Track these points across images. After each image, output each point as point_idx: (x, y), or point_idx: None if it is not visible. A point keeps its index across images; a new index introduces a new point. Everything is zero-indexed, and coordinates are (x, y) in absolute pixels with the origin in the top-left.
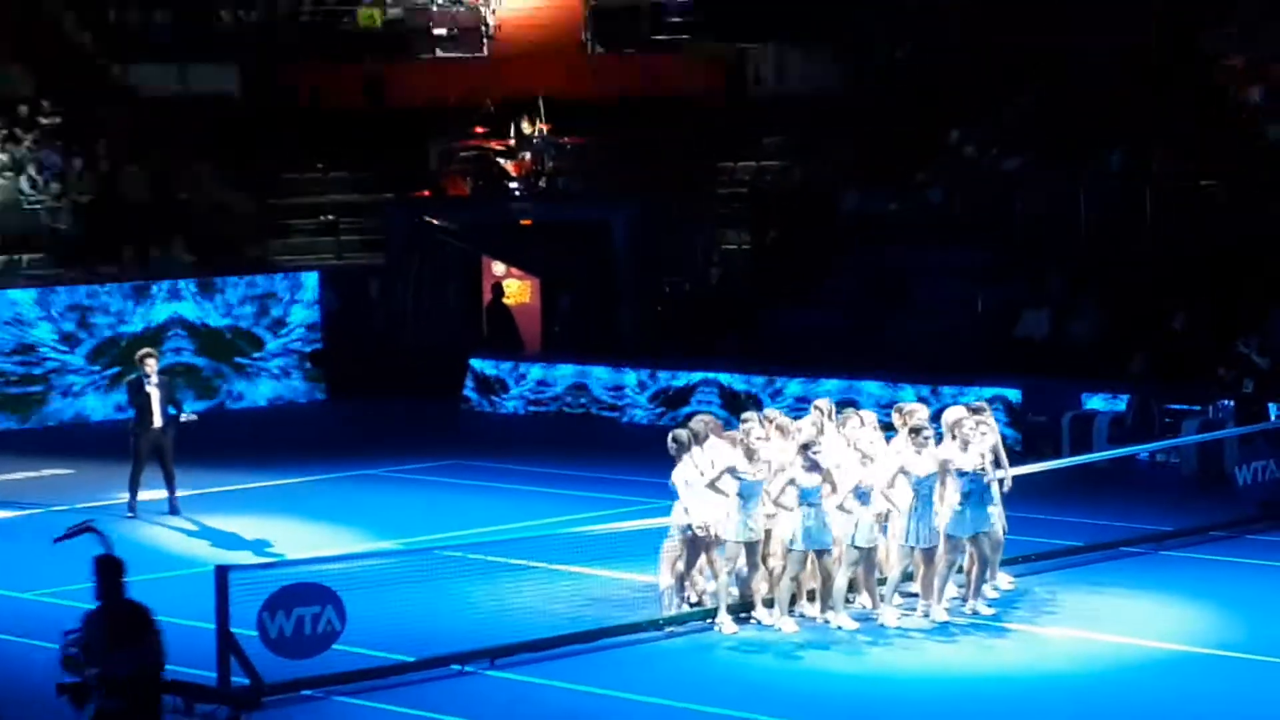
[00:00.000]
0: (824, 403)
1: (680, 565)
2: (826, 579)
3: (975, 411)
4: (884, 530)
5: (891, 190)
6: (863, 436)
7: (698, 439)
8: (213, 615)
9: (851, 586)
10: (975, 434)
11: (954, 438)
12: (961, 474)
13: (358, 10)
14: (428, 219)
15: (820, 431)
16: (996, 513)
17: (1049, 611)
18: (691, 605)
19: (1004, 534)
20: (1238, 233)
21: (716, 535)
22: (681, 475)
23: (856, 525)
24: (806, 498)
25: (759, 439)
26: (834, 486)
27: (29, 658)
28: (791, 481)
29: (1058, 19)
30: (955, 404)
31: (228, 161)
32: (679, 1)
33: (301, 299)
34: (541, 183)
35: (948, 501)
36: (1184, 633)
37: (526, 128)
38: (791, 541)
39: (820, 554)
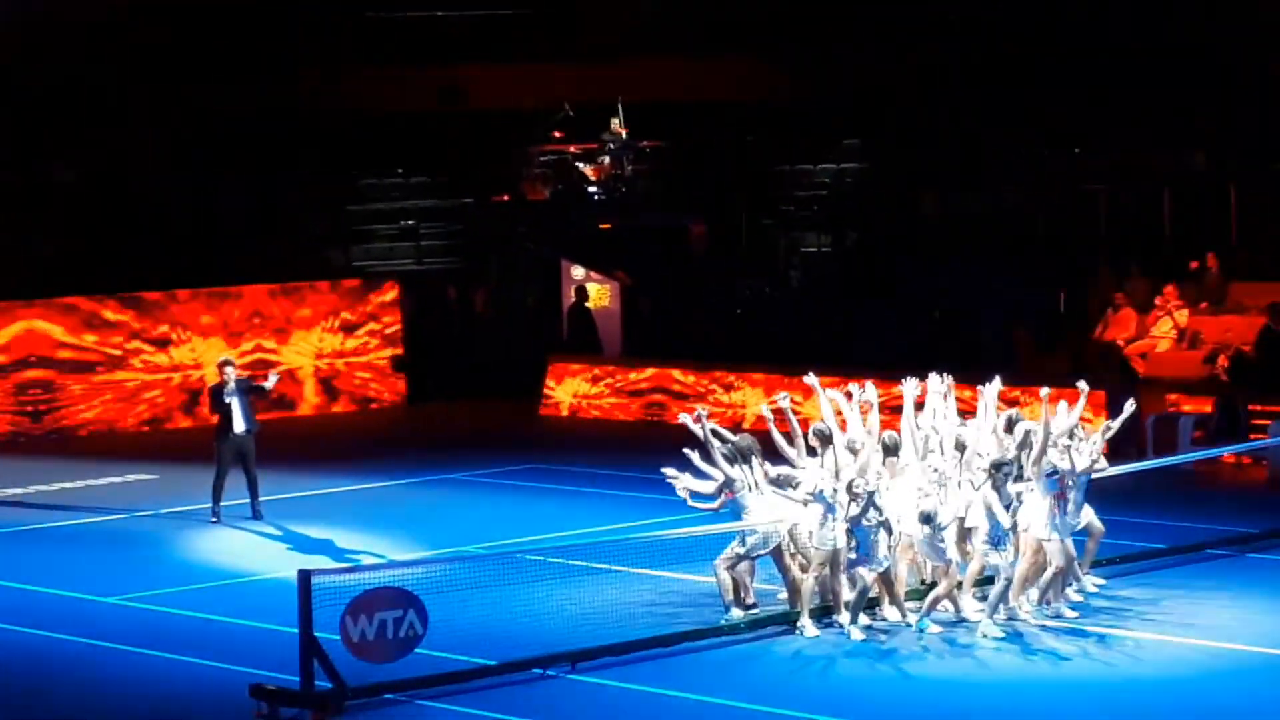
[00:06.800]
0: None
1: (742, 569)
2: (889, 585)
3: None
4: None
5: (972, 192)
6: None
7: (746, 456)
8: (296, 619)
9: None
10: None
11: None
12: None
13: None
14: (526, 244)
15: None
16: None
17: (1132, 614)
18: (749, 607)
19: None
20: None
21: (806, 543)
22: (737, 475)
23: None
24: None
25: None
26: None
27: (108, 662)
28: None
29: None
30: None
31: (308, 168)
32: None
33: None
34: (621, 187)
35: (1039, 504)
36: (1269, 636)
37: (611, 130)
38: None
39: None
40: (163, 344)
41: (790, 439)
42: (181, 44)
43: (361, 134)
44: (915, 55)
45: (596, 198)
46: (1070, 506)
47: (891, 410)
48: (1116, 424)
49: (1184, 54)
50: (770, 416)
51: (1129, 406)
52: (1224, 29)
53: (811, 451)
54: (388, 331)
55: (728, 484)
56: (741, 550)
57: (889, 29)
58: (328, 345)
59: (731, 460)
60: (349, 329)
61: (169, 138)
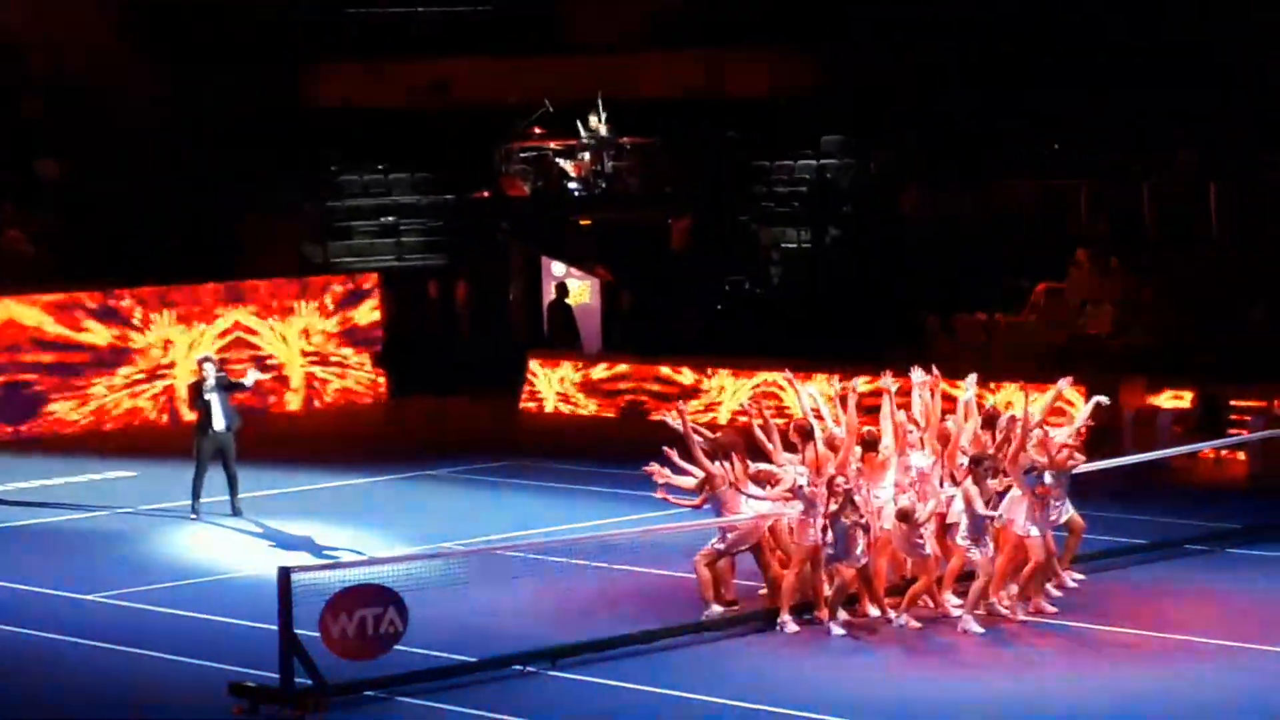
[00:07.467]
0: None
1: (722, 565)
2: (868, 581)
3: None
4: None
5: (954, 188)
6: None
7: (726, 453)
8: (276, 617)
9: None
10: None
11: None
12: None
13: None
14: (510, 240)
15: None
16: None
17: (1112, 610)
18: (729, 603)
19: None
20: None
21: (791, 539)
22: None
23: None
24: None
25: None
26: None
27: (87, 659)
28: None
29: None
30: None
31: (290, 163)
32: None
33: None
34: (601, 183)
35: (1017, 500)
36: (1248, 631)
37: (589, 126)
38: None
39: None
40: (143, 340)
41: (769, 435)
42: (178, 42)
43: (342, 130)
44: (911, 53)
45: (577, 194)
46: (1051, 501)
47: (870, 400)
48: (1081, 417)
49: (1178, 53)
50: (751, 412)
51: (1098, 399)
52: (1217, 29)
53: (791, 447)
54: (368, 328)
55: (708, 480)
56: (722, 546)
57: (882, 27)
58: (308, 341)
59: (712, 457)
60: (329, 325)
61: (163, 136)
